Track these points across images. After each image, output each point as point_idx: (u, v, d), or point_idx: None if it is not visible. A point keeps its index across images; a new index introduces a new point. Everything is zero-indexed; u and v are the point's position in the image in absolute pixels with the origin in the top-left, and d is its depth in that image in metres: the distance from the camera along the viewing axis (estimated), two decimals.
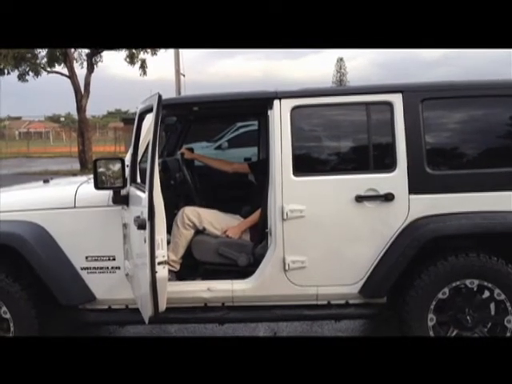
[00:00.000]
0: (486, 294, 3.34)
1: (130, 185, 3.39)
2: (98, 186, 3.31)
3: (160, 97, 3.03)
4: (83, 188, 3.63)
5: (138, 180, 3.44)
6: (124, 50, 18.94)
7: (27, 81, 19.43)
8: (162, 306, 2.99)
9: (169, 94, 3.49)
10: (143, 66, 19.97)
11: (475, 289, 3.31)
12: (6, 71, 18.55)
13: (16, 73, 18.98)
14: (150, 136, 3.00)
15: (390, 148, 3.36)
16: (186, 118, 4.87)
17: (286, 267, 3.36)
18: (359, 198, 3.32)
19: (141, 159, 3.56)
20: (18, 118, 65.89)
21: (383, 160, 3.39)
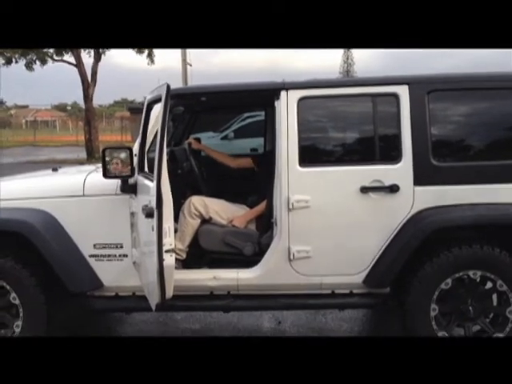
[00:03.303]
0: (489, 285, 3.37)
1: (138, 174, 3.43)
2: (107, 174, 3.34)
3: (169, 87, 3.06)
4: (92, 176, 3.67)
5: (146, 169, 3.48)
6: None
7: (33, 70, 19.50)
8: (169, 294, 3.03)
9: (175, 83, 3.52)
10: (151, 55, 19.92)
11: (478, 280, 3.33)
12: (13, 60, 18.61)
13: (23, 62, 19.04)
14: (158, 126, 3.03)
15: (396, 140, 3.38)
16: (194, 108, 4.90)
17: (291, 257, 3.40)
18: (364, 189, 3.34)
19: (149, 149, 3.60)
20: (25, 107, 65.89)
21: (389, 151, 3.41)
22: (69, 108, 66.66)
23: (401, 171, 3.35)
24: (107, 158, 3.32)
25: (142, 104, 3.68)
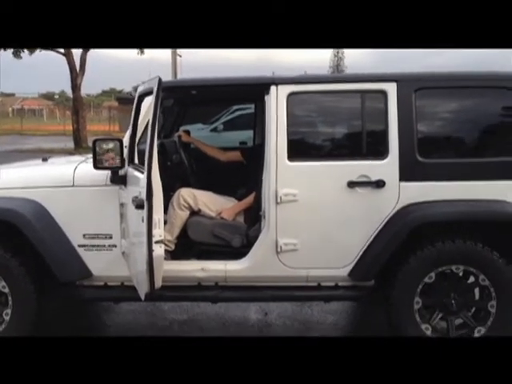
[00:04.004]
0: (471, 279, 3.44)
1: (128, 165, 3.46)
2: (97, 165, 3.37)
3: (160, 80, 3.09)
4: (82, 167, 3.69)
5: (136, 161, 3.51)
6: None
7: (21, 58, 19.32)
8: (158, 284, 3.09)
9: (165, 73, 3.56)
10: None
11: (461, 274, 3.40)
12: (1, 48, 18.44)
13: (11, 49, 18.85)
14: (150, 118, 3.06)
15: (383, 136, 3.43)
16: (184, 100, 4.92)
17: (279, 249, 3.45)
18: (351, 184, 3.39)
19: (139, 140, 3.63)
20: (12, 95, 65.08)
21: (376, 147, 3.47)
22: (56, 97, 66.00)
23: (387, 167, 3.41)
24: (97, 150, 3.35)
25: (131, 94, 3.71)
